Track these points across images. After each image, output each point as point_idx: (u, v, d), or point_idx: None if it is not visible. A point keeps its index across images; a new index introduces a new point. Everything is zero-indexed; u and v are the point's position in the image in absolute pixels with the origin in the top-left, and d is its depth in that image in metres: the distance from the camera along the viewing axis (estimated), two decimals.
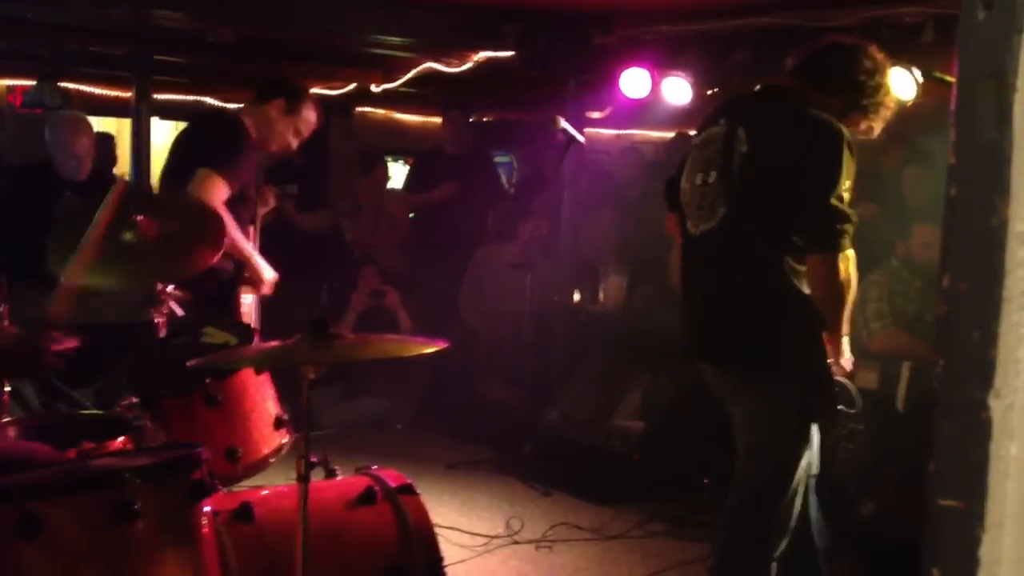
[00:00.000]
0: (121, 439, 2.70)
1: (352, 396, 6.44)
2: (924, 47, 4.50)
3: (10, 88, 8.28)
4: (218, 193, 3.94)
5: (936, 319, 1.12)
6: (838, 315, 2.92)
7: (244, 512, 2.49)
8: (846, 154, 2.81)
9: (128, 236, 3.21)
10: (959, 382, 1.06)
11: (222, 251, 3.40)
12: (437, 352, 2.42)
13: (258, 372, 3.08)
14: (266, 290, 4.26)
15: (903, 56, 4.33)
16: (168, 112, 8.22)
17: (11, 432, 2.78)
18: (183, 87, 8.26)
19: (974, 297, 1.06)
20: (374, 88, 7.81)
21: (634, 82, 5.63)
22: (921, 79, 4.50)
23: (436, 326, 6.37)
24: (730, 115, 3.05)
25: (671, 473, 5.00)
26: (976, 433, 1.04)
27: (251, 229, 4.44)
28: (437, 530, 2.70)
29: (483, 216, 7.12)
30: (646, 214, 6.13)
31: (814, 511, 3.14)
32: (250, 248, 4.18)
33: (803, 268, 2.89)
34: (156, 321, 3.33)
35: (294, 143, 4.37)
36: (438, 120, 7.87)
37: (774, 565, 2.99)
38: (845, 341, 3.04)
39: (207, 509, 2.20)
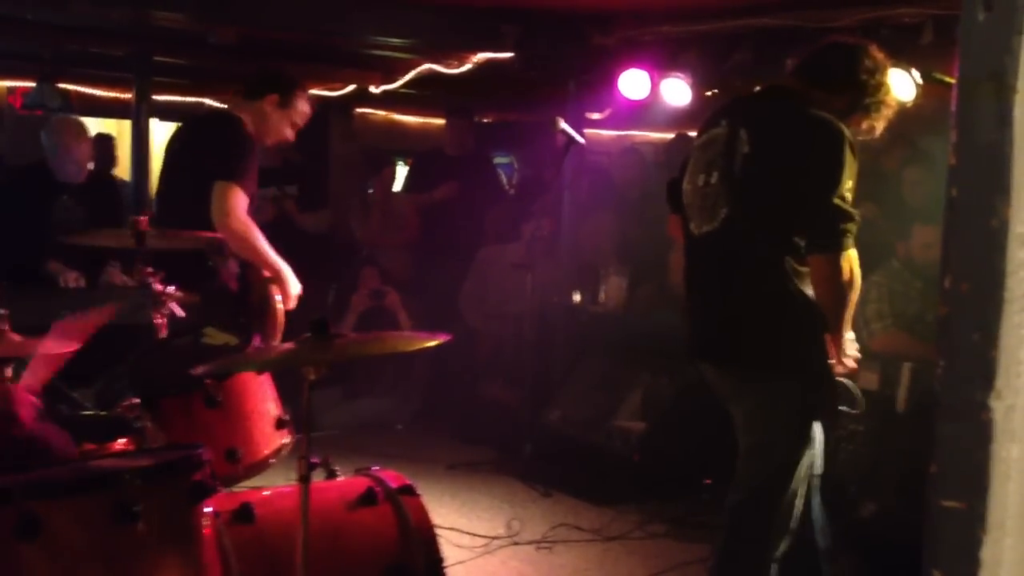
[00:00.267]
0: (122, 440, 2.70)
1: (353, 397, 6.44)
2: (924, 48, 4.50)
3: (10, 89, 8.28)
4: (241, 204, 3.92)
5: (937, 320, 1.12)
6: (841, 315, 2.92)
7: (245, 513, 2.49)
8: (848, 154, 2.82)
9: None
10: (960, 383, 1.06)
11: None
12: (438, 352, 2.43)
13: (259, 373, 3.09)
14: (291, 304, 4.20)
15: (902, 57, 4.33)
16: (168, 113, 8.22)
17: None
18: (183, 88, 8.26)
19: (975, 298, 1.06)
20: (374, 89, 7.81)
21: (634, 83, 5.63)
22: (920, 80, 4.50)
23: (437, 326, 6.36)
24: (732, 116, 3.05)
25: (671, 474, 5.00)
26: (977, 434, 1.04)
27: None
28: (437, 531, 2.70)
29: (483, 217, 7.12)
30: (646, 215, 6.13)
31: (817, 511, 3.14)
32: (280, 262, 4.10)
33: (804, 269, 2.89)
34: (157, 322, 3.33)
35: (291, 135, 4.37)
36: (438, 121, 7.88)
37: (774, 565, 2.99)
38: (851, 338, 3.03)
39: (208, 510, 2.20)
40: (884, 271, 4.73)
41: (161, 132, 8.06)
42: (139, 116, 7.32)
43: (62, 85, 7.52)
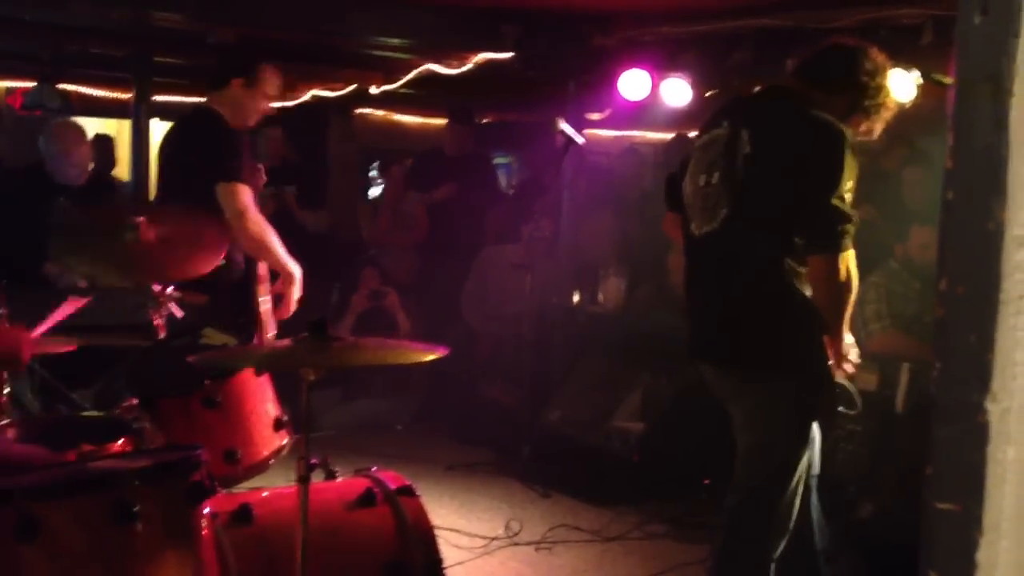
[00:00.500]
0: (121, 441, 2.70)
1: (352, 397, 6.44)
2: (923, 49, 4.50)
3: (9, 90, 8.28)
4: (247, 199, 3.93)
5: (934, 322, 1.13)
6: (839, 316, 2.92)
7: (243, 514, 2.49)
8: (848, 154, 2.82)
9: (129, 236, 3.21)
10: (956, 385, 1.07)
11: (221, 256, 3.38)
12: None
13: (258, 373, 3.09)
14: (292, 308, 4.18)
15: (902, 58, 4.33)
16: (168, 113, 8.20)
17: (10, 434, 2.78)
18: (183, 88, 8.26)
19: (971, 300, 1.06)
20: (373, 90, 7.81)
21: (634, 83, 5.63)
22: (920, 81, 4.50)
23: (437, 327, 6.38)
24: (732, 116, 3.05)
25: (670, 474, 5.00)
26: (973, 436, 1.04)
27: None
28: (436, 531, 2.70)
29: (481, 217, 7.12)
30: (645, 215, 6.14)
31: (816, 512, 3.14)
32: (291, 263, 4.09)
33: (804, 269, 2.89)
34: (155, 323, 3.33)
35: (269, 109, 4.36)
36: (438, 121, 7.87)
37: (773, 565, 2.99)
38: (850, 342, 3.03)
39: (206, 511, 2.20)
40: (882, 272, 4.74)
41: (161, 132, 8.04)
42: (138, 116, 7.33)
43: (62, 86, 7.53)
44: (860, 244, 2.90)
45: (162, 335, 3.34)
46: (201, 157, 4.02)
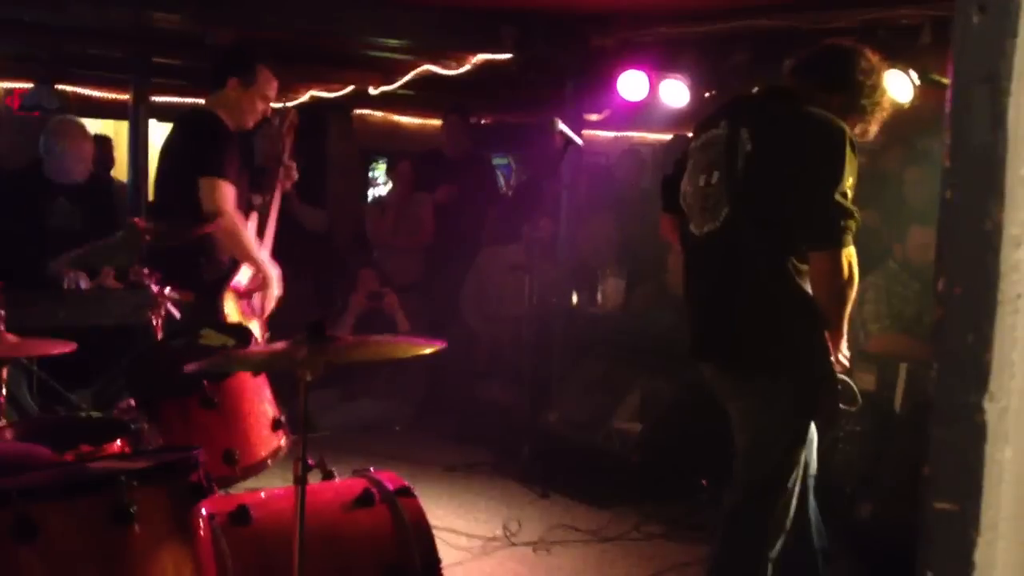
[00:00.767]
0: (118, 442, 2.70)
1: (350, 398, 6.44)
2: (922, 49, 4.50)
3: (8, 91, 8.28)
4: (228, 196, 3.99)
5: (932, 322, 1.13)
6: (840, 312, 2.92)
7: (241, 514, 2.49)
8: (849, 151, 2.82)
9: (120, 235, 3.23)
10: (954, 385, 1.06)
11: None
12: (437, 354, 2.42)
13: (255, 374, 3.08)
14: (270, 306, 4.23)
15: (901, 58, 4.34)
16: (166, 114, 8.20)
17: (8, 435, 2.78)
18: (181, 89, 8.26)
19: (969, 300, 1.06)
20: (372, 90, 7.81)
21: (632, 84, 5.64)
22: (918, 81, 4.50)
23: (437, 328, 6.37)
24: (732, 116, 3.05)
25: (669, 475, 4.99)
26: (971, 436, 1.04)
27: (253, 214, 4.43)
28: (435, 532, 2.70)
29: (480, 218, 7.11)
30: (644, 216, 6.13)
31: (813, 512, 3.14)
32: (265, 262, 4.17)
33: (806, 268, 2.89)
34: (153, 324, 3.33)
35: (267, 109, 4.38)
36: (436, 122, 7.86)
37: (771, 565, 2.99)
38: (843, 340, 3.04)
39: (204, 512, 2.20)
40: (881, 272, 4.74)
41: (159, 133, 8.04)
42: (137, 117, 7.33)
43: (60, 87, 7.52)
44: (859, 245, 2.90)
45: (160, 336, 3.35)
46: (188, 153, 4.06)
